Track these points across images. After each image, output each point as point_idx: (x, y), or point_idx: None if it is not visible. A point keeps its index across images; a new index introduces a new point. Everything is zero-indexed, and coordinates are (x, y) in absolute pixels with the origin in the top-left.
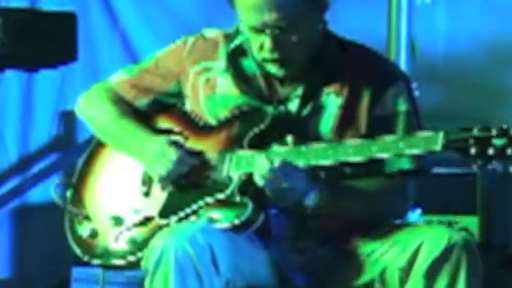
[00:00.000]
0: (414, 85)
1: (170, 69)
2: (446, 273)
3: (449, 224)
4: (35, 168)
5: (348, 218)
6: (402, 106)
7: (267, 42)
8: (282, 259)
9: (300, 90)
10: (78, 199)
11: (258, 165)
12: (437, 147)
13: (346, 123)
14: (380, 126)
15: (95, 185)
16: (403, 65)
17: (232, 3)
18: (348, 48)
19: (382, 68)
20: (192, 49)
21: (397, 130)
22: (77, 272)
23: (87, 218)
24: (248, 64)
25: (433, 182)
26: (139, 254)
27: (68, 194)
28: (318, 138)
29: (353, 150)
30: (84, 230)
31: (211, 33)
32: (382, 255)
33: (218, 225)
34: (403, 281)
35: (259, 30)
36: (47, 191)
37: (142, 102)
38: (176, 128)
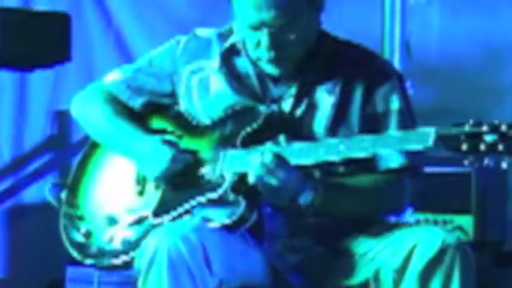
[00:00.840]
0: (408, 83)
1: (164, 69)
2: (440, 275)
3: (444, 223)
4: (29, 168)
5: (344, 216)
6: (395, 104)
7: (264, 40)
8: (277, 258)
9: (293, 90)
10: (72, 199)
11: (251, 162)
12: (429, 143)
13: (339, 122)
14: (372, 123)
15: (90, 185)
16: (397, 64)
17: (230, 0)
18: (341, 47)
19: (375, 65)
20: (185, 49)
21: (390, 128)
22: (71, 272)
23: (82, 218)
24: (242, 63)
25: (427, 180)
26: (133, 254)
27: (63, 194)
28: (311, 137)
29: (344, 147)
30: (78, 230)
31: (204, 32)
32: (377, 255)
33: (211, 224)
34: (396, 282)
35: (256, 28)
36: (41, 191)
37: (136, 102)
38: (170, 128)
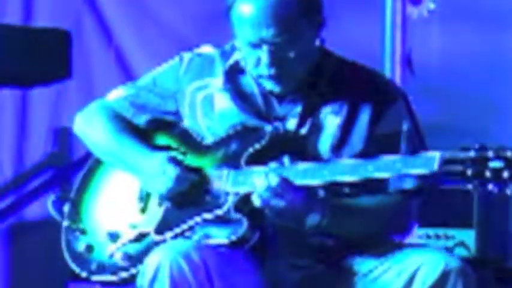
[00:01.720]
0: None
1: (167, 88)
2: None
3: (446, 238)
4: (31, 185)
5: (349, 237)
6: (404, 125)
7: (264, 57)
8: (278, 276)
9: (298, 109)
10: (75, 214)
11: (256, 184)
12: (433, 168)
13: (344, 143)
14: (379, 145)
15: (92, 200)
16: (398, 80)
17: (229, 17)
18: (346, 66)
19: (382, 87)
20: (189, 67)
21: (400, 149)
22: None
23: (84, 232)
24: (246, 81)
25: (430, 195)
26: (134, 270)
27: (65, 208)
28: (316, 157)
29: (349, 170)
30: (80, 245)
31: (207, 50)
32: (380, 276)
33: (213, 242)
34: None
35: (256, 45)
36: (43, 208)
37: (140, 119)
38: (174, 145)
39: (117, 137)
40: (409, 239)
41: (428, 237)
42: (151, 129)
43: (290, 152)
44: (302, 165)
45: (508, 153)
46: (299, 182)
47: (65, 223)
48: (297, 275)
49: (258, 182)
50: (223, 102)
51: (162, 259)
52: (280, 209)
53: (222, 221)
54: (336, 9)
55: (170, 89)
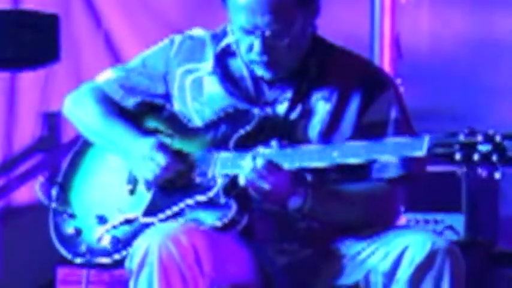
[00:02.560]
0: (398, 81)
1: (157, 69)
2: (429, 279)
3: (435, 222)
4: (19, 170)
5: (333, 222)
6: (392, 113)
7: (257, 44)
8: (266, 260)
9: (289, 94)
10: (63, 197)
11: (242, 165)
12: (422, 152)
13: (333, 129)
14: (369, 133)
15: (80, 183)
16: (387, 64)
17: (224, 2)
18: (337, 53)
19: (373, 75)
20: (179, 49)
21: (387, 137)
22: (61, 272)
23: (72, 216)
24: (236, 65)
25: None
26: (123, 253)
27: (53, 192)
28: (305, 141)
29: (337, 153)
30: (68, 228)
31: (199, 33)
32: (367, 257)
33: (202, 226)
34: (386, 285)
35: (249, 31)
36: (32, 192)
37: (129, 102)
38: (163, 128)
39: (106, 120)
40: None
41: (417, 222)
42: (140, 112)
43: (279, 136)
44: (290, 149)
45: (497, 137)
46: (287, 165)
47: (53, 206)
48: (285, 259)
49: (245, 163)
50: (213, 85)
51: (150, 242)
52: (264, 190)
53: (211, 204)
54: None
55: (160, 71)
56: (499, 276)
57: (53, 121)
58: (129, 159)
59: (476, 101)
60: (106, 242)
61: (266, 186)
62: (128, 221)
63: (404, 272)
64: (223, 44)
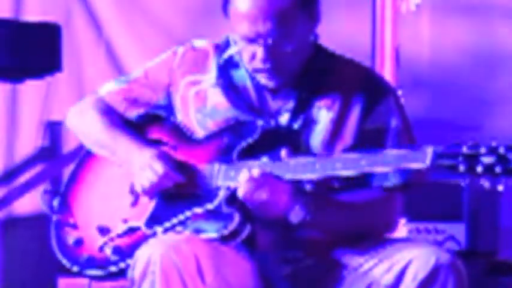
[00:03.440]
0: (399, 93)
1: (160, 80)
2: None
3: (436, 232)
4: (21, 180)
5: (335, 232)
6: (393, 121)
7: (260, 52)
8: (269, 269)
9: (291, 103)
10: (65, 207)
11: (239, 177)
12: (426, 164)
13: (336, 138)
14: (369, 140)
15: (83, 193)
16: (388, 73)
17: (226, 11)
18: (338, 61)
19: (374, 83)
20: (182, 60)
21: (388, 145)
22: (63, 283)
23: (74, 226)
24: (239, 76)
25: (419, 189)
26: (125, 264)
27: (55, 202)
28: (308, 151)
29: (342, 164)
30: (70, 239)
31: (201, 44)
32: (370, 270)
33: (205, 236)
34: None
35: (252, 40)
36: (33, 202)
37: (133, 113)
38: (166, 139)
39: (109, 131)
40: (399, 234)
41: (419, 231)
42: (144, 123)
43: (282, 147)
44: (293, 160)
45: (501, 149)
46: (289, 176)
47: (55, 217)
48: (287, 268)
49: (242, 174)
50: (216, 97)
51: (153, 252)
52: (262, 202)
53: (213, 215)
54: (326, 3)
55: (163, 82)
56: (500, 286)
57: (54, 131)
58: (131, 169)
59: (477, 110)
60: (108, 252)
61: (263, 197)
62: (130, 231)
63: (407, 287)
64: (226, 55)
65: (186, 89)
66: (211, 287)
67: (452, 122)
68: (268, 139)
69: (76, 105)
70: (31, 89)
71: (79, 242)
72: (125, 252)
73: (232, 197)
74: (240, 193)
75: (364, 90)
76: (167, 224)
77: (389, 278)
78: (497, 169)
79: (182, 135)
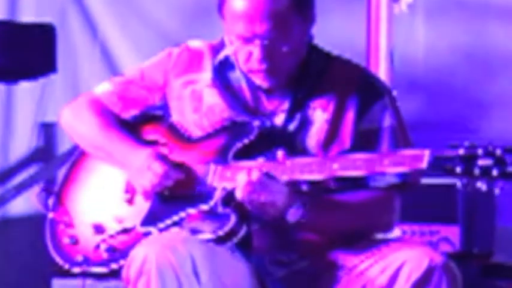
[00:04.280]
0: (394, 93)
1: (155, 81)
2: None
3: (431, 234)
4: (15, 180)
5: (332, 232)
6: (387, 121)
7: (256, 52)
8: (263, 271)
9: (286, 104)
10: (60, 206)
11: (238, 178)
12: (423, 165)
13: (332, 138)
14: (365, 140)
15: (78, 192)
16: (383, 75)
17: (221, 12)
18: (333, 61)
19: (369, 82)
20: (178, 61)
21: (383, 145)
22: (57, 284)
23: (69, 225)
24: (234, 77)
25: (414, 190)
26: (120, 263)
27: (50, 201)
28: (304, 152)
29: (337, 166)
30: (65, 238)
31: (196, 44)
32: (364, 271)
33: (200, 236)
34: None
35: (248, 40)
36: (28, 202)
37: (128, 113)
38: (162, 139)
39: (104, 132)
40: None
41: (413, 233)
42: (139, 123)
43: (278, 148)
44: (289, 161)
45: (497, 151)
46: (285, 177)
47: (50, 216)
48: (282, 270)
49: (240, 176)
50: (212, 97)
51: (148, 251)
52: (261, 203)
53: (210, 215)
54: (321, 4)
55: (158, 83)
56: None
57: (49, 132)
58: (127, 169)
59: (472, 112)
60: (103, 251)
61: (262, 198)
62: (125, 230)
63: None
64: (221, 55)
65: (181, 89)
66: (206, 287)
67: (447, 124)
68: (264, 140)
69: (70, 104)
70: (26, 89)
71: (74, 241)
72: (120, 252)
73: (228, 197)
74: (239, 195)
75: (359, 90)
76: (162, 224)
77: (383, 279)
78: (494, 172)
79: (178, 135)
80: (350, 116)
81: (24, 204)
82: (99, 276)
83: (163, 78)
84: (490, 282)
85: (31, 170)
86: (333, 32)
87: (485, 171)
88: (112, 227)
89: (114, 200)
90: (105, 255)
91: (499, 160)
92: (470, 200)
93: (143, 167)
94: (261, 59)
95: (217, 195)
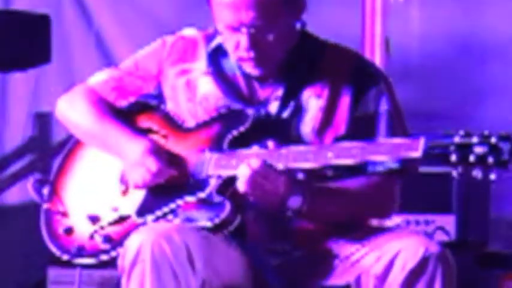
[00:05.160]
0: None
1: (149, 70)
2: (421, 285)
3: (426, 223)
4: (10, 170)
5: (331, 220)
6: (383, 106)
7: (243, 40)
8: (258, 260)
9: (280, 92)
10: (55, 196)
11: (239, 171)
12: (418, 153)
13: (327, 125)
14: (361, 126)
15: (73, 182)
16: (378, 63)
17: (208, 1)
18: (327, 48)
19: (363, 68)
20: (172, 50)
21: (379, 130)
22: (52, 273)
23: (64, 215)
24: (229, 65)
25: (409, 180)
26: (115, 252)
27: (45, 190)
28: (298, 139)
29: (333, 154)
30: (60, 227)
31: (190, 33)
32: (359, 259)
33: (195, 225)
34: None
35: (235, 28)
36: (22, 192)
37: (123, 103)
38: (156, 128)
39: (100, 121)
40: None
41: (408, 222)
42: (134, 112)
43: (273, 135)
44: (285, 149)
45: (493, 139)
46: (282, 166)
47: (45, 205)
48: (276, 259)
49: (241, 167)
50: (206, 85)
51: (143, 240)
52: (263, 193)
53: (205, 204)
54: None
55: (152, 72)
56: (490, 277)
57: (44, 121)
58: (123, 160)
59: (467, 100)
60: (98, 241)
61: (263, 187)
62: (120, 220)
63: (396, 277)
64: (215, 43)
65: (175, 78)
66: (201, 276)
67: (443, 112)
68: (259, 128)
69: (66, 95)
70: (20, 79)
71: (69, 231)
72: (115, 241)
73: (223, 186)
74: (242, 188)
75: (354, 76)
76: (158, 213)
77: (378, 267)
78: (490, 159)
79: (173, 123)
80: (345, 102)
81: (19, 194)
82: (94, 266)
83: (158, 67)
84: (485, 271)
85: (26, 160)
86: (328, 21)
87: (481, 159)
88: (107, 217)
89: (109, 190)
90: (100, 245)
91: (494, 147)
92: (465, 189)
93: (137, 162)
94: (248, 48)
95: (213, 183)
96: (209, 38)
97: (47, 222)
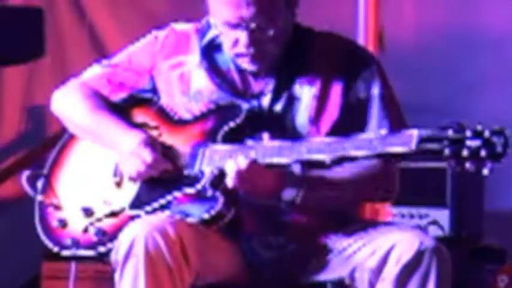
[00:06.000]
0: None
1: (142, 65)
2: (416, 278)
3: (420, 217)
4: (4, 164)
5: (331, 208)
6: (375, 89)
7: (243, 37)
8: (252, 253)
9: (272, 84)
10: (49, 189)
11: (226, 167)
12: (411, 147)
13: (321, 113)
14: (354, 110)
15: (67, 175)
16: None
17: None
18: (316, 36)
19: (354, 53)
20: (164, 44)
21: (372, 113)
22: (46, 267)
23: (58, 208)
24: (222, 58)
25: (403, 174)
26: (109, 245)
27: (39, 184)
28: (294, 131)
29: (326, 148)
30: (54, 221)
31: (183, 27)
32: (354, 253)
33: (189, 219)
34: (372, 282)
35: (235, 25)
36: (17, 186)
37: (117, 96)
38: (151, 122)
39: (94, 115)
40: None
41: (402, 216)
42: (129, 106)
43: (268, 128)
44: (278, 143)
45: (486, 132)
46: (276, 160)
47: (39, 198)
48: (271, 252)
49: (228, 165)
50: (200, 79)
51: (137, 233)
52: (252, 188)
53: (198, 197)
54: None
55: (145, 66)
56: (484, 271)
57: (37, 115)
58: (116, 153)
59: (461, 93)
60: (91, 234)
61: (253, 182)
62: (114, 213)
63: (390, 270)
64: (208, 37)
65: (169, 71)
66: (195, 270)
67: (436, 105)
68: (253, 122)
69: (60, 89)
70: (14, 73)
71: (63, 224)
72: (109, 234)
73: (216, 179)
74: (230, 183)
75: (346, 61)
76: (151, 207)
77: (373, 261)
78: (483, 153)
79: (167, 117)
80: (338, 87)
81: (13, 187)
82: (88, 259)
83: (151, 61)
84: (479, 265)
85: (20, 153)
86: (321, 12)
87: (474, 153)
88: (101, 210)
89: (103, 183)
90: (94, 238)
91: (487, 141)
92: (460, 183)
93: (132, 153)
94: (248, 44)
95: (206, 177)
96: (202, 32)
97: (40, 216)
